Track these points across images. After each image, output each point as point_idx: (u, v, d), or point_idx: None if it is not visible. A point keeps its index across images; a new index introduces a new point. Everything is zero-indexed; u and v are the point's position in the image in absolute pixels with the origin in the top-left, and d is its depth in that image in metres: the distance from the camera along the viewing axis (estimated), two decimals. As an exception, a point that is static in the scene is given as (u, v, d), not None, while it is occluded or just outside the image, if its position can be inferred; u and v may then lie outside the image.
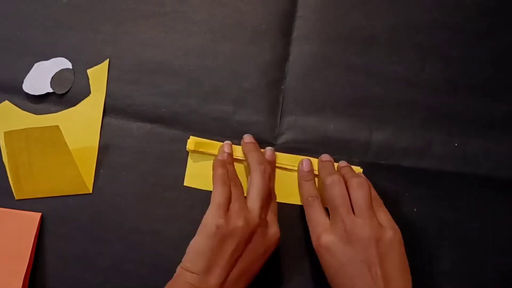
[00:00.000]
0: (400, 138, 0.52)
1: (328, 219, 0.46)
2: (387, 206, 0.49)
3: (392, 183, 0.51)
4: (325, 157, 0.51)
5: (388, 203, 0.50)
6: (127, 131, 0.53)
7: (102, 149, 0.53)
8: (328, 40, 0.55)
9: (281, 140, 0.52)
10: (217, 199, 0.45)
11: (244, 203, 0.46)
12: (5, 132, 0.51)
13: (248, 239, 0.44)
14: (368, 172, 0.51)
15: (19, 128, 0.50)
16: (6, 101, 0.55)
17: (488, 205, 0.51)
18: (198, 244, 0.44)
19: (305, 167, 0.50)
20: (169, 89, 0.54)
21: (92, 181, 0.52)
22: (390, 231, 0.43)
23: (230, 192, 0.46)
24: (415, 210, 0.51)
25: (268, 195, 0.48)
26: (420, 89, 0.53)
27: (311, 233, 0.46)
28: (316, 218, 0.46)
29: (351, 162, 0.51)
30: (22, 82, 0.55)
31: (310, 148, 0.52)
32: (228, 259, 0.43)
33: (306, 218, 0.48)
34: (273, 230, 0.46)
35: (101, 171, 0.53)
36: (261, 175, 0.47)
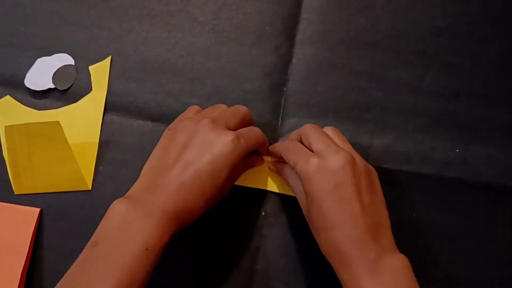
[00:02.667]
0: (401, 143, 0.52)
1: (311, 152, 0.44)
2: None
3: (392, 187, 0.51)
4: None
5: (388, 207, 0.50)
6: (128, 128, 0.53)
7: (102, 146, 0.53)
8: (331, 43, 0.55)
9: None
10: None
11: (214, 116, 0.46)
12: (6, 127, 0.51)
13: (196, 131, 0.43)
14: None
15: (20, 123, 0.50)
16: (8, 96, 0.55)
17: (489, 213, 0.51)
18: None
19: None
20: (171, 88, 0.54)
21: (92, 177, 0.52)
22: (364, 162, 0.43)
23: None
24: (414, 215, 0.51)
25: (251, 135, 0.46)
26: (422, 95, 0.53)
27: (296, 161, 0.43)
28: (301, 150, 0.44)
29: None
30: (24, 77, 0.55)
31: (311, 150, 0.52)
32: (177, 152, 0.43)
33: (288, 156, 0.45)
34: (226, 134, 0.43)
35: (101, 168, 0.53)
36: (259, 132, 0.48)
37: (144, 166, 0.45)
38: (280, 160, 0.49)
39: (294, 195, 0.49)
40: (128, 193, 0.43)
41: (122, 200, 0.41)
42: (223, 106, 0.49)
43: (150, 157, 0.45)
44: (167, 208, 0.40)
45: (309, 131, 0.46)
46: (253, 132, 0.47)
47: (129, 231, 0.39)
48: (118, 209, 0.40)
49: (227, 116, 0.46)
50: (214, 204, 0.45)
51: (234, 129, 0.45)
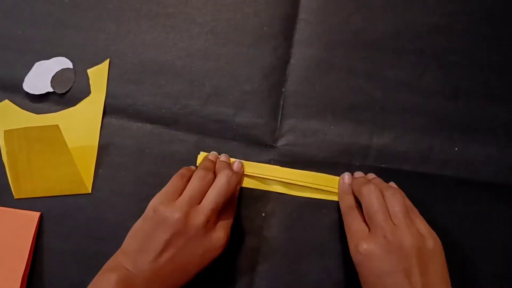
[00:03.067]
0: (400, 143, 0.52)
1: (367, 228, 0.45)
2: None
3: (392, 187, 0.51)
4: (358, 173, 0.51)
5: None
6: (127, 131, 0.53)
7: (102, 149, 0.53)
8: (329, 43, 0.55)
9: (281, 142, 0.52)
10: (167, 187, 0.46)
11: (196, 200, 0.45)
12: (5, 131, 0.51)
13: (185, 234, 0.43)
14: (368, 176, 0.51)
15: (19, 127, 0.50)
16: (6, 100, 0.55)
17: (488, 211, 0.51)
18: (136, 226, 0.45)
19: (347, 180, 0.50)
20: (170, 90, 0.54)
21: (91, 181, 0.52)
22: (431, 240, 0.43)
23: (185, 186, 0.46)
24: (414, 214, 0.51)
25: (228, 202, 0.47)
26: (421, 93, 0.53)
27: (349, 242, 0.45)
28: (355, 227, 0.45)
29: (351, 166, 0.52)
30: (23, 81, 0.55)
31: (310, 151, 0.52)
32: (159, 247, 0.43)
33: (345, 227, 0.46)
34: (219, 235, 0.45)
35: (100, 171, 0.53)
36: (226, 179, 0.46)
37: (129, 238, 0.45)
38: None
39: (295, 194, 0.50)
40: (115, 261, 0.44)
41: (111, 274, 0.42)
42: (209, 176, 0.47)
43: (134, 230, 0.45)
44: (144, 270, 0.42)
45: (369, 198, 0.45)
46: (233, 206, 0.49)
47: None
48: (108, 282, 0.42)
49: (215, 201, 0.45)
50: None
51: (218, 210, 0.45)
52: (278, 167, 0.52)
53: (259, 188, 0.51)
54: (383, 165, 0.51)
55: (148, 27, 0.56)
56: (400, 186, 0.51)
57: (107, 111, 0.54)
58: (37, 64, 0.55)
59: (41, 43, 0.56)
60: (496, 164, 0.51)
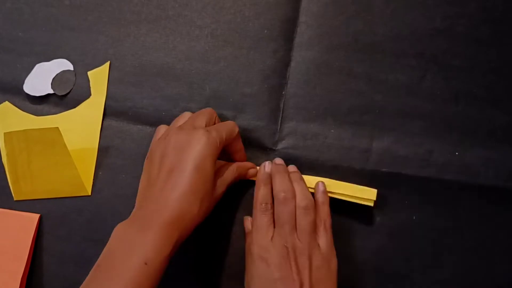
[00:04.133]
0: (400, 146, 0.52)
1: (273, 231, 0.46)
2: (387, 214, 0.49)
3: (392, 191, 0.51)
4: (279, 160, 0.51)
5: (387, 211, 0.50)
6: (127, 133, 0.53)
7: (102, 151, 0.53)
8: (329, 46, 0.54)
9: (281, 145, 0.52)
10: None
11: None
12: (5, 133, 0.51)
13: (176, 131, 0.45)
14: (368, 179, 0.51)
15: (19, 129, 0.50)
16: (7, 101, 0.55)
17: (488, 215, 0.50)
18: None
19: (267, 169, 0.49)
20: (170, 93, 0.54)
21: (91, 183, 0.52)
22: (328, 257, 0.45)
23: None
24: (414, 218, 0.50)
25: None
26: (421, 97, 0.53)
27: (254, 240, 0.46)
28: (262, 226, 0.46)
29: (351, 169, 0.51)
30: (23, 82, 0.55)
31: (310, 154, 0.52)
32: (160, 166, 0.44)
33: (253, 224, 0.47)
34: (200, 130, 0.45)
35: (100, 173, 0.53)
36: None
37: (137, 193, 0.46)
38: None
39: None
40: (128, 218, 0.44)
41: (121, 223, 0.42)
42: (188, 113, 0.49)
43: (139, 184, 0.46)
44: (163, 219, 0.40)
45: (282, 207, 0.46)
46: (223, 124, 0.48)
47: (127, 248, 0.39)
48: (117, 231, 0.41)
49: (192, 118, 0.47)
50: (211, 205, 0.45)
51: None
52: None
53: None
54: (383, 170, 0.51)
55: (148, 30, 0.56)
56: (400, 190, 0.51)
57: (107, 113, 0.54)
58: (37, 66, 0.55)
59: (42, 45, 0.56)
60: (496, 167, 0.51)
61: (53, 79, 0.55)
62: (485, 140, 0.52)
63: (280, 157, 0.52)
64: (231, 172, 0.48)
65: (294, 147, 0.52)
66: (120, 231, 0.41)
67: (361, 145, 0.52)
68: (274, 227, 0.46)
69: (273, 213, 0.47)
